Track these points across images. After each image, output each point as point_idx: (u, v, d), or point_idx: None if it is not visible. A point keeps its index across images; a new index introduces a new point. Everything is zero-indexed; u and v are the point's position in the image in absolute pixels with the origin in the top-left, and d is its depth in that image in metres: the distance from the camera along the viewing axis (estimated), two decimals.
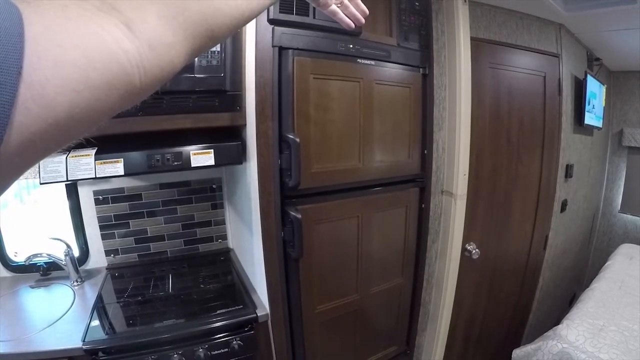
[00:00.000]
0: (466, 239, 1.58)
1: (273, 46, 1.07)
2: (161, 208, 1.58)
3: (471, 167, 1.49)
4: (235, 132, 1.21)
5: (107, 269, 1.53)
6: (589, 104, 2.06)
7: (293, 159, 1.07)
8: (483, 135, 1.58)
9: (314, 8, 1.12)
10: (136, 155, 1.10)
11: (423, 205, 1.46)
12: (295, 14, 1.09)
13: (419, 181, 1.43)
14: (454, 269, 1.54)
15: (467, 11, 1.42)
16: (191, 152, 1.15)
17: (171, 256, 1.63)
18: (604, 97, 2.39)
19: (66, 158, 1.06)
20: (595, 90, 2.18)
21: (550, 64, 1.78)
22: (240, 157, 1.17)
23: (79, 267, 1.43)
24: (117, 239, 1.54)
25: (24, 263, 1.34)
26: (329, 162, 1.16)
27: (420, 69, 1.37)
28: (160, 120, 1.11)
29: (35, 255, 1.35)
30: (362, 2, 0.56)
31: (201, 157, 1.17)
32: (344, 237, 1.26)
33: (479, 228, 1.67)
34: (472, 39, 1.45)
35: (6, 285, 1.35)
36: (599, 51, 2.24)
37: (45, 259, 1.37)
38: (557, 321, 1.54)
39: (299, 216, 1.09)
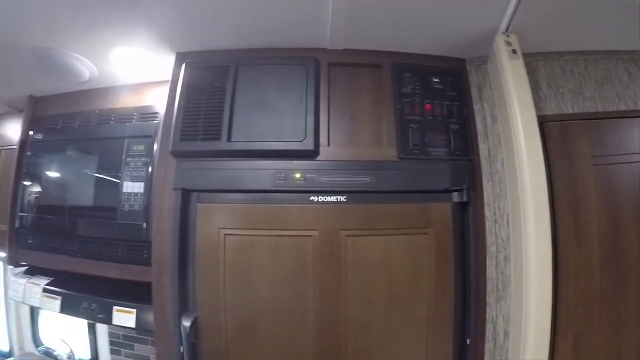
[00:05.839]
0: None
1: (174, 189, 0.77)
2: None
3: None
4: None
5: None
6: None
7: (185, 350, 0.71)
8: (590, 302, 0.81)
9: (230, 126, 0.78)
10: (70, 297, 1.06)
11: None
12: (203, 140, 0.78)
13: None
14: None
15: (523, 70, 0.81)
16: (114, 308, 0.97)
17: None
18: None
19: (25, 283, 1.12)
20: None
21: None
22: None
23: None
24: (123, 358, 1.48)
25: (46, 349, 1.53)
26: None
27: (454, 194, 0.82)
28: (95, 266, 1.01)
29: (53, 350, 1.50)
30: None
31: (123, 315, 0.98)
32: None
33: None
34: (545, 119, 0.83)
35: None
36: None
37: (57, 354, 1.50)
38: None
39: None
